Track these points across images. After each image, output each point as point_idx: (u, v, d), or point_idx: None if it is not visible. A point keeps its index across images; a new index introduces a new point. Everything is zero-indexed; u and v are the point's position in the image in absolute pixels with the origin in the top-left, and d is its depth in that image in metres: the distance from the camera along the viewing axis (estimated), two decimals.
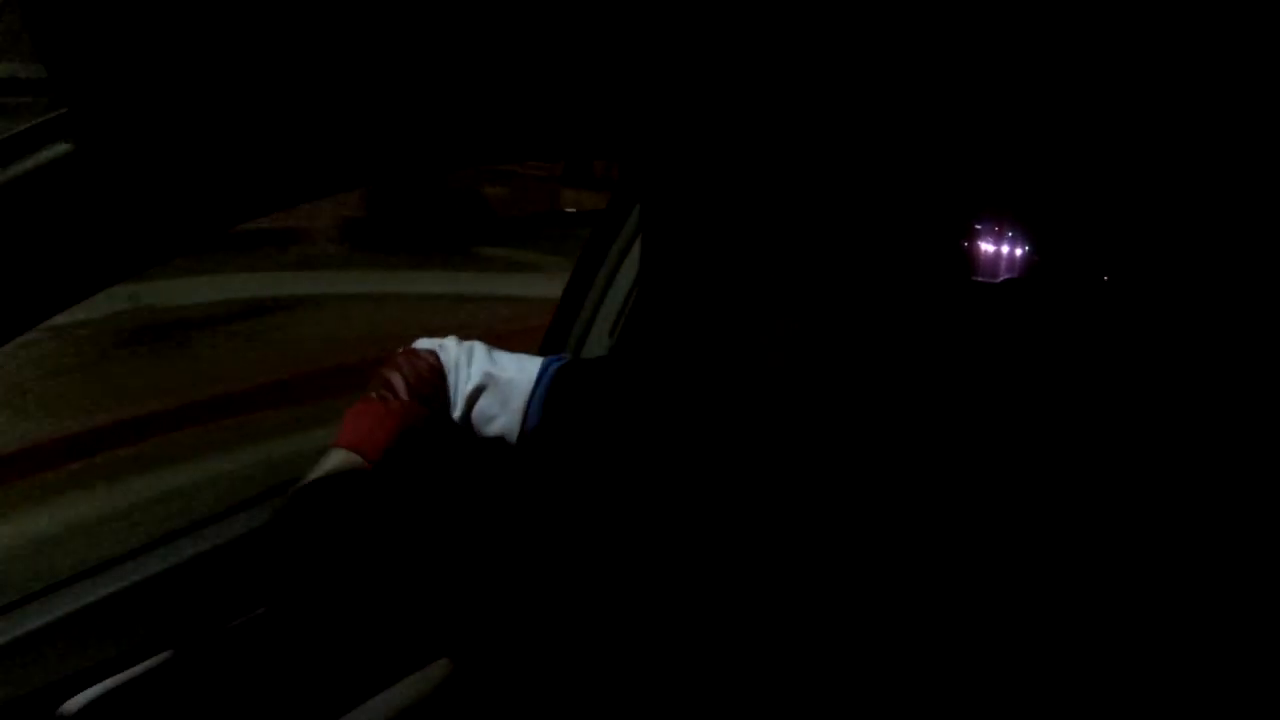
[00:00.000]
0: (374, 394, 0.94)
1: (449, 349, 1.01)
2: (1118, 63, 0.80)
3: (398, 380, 0.94)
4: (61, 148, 0.48)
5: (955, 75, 0.83)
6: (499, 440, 0.98)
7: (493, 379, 0.98)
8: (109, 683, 0.86)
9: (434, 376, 0.98)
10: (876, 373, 0.84)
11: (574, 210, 7.48)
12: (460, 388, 0.98)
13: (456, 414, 0.99)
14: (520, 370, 0.98)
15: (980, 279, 1.52)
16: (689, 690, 0.82)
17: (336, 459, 0.88)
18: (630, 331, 1.41)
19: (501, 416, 0.97)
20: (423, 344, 1.01)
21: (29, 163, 0.47)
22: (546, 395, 0.95)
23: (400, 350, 1.01)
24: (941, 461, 0.89)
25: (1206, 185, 1.07)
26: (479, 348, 1.02)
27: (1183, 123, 0.93)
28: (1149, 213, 1.20)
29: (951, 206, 0.93)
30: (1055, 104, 0.90)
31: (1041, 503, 0.99)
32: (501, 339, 1.11)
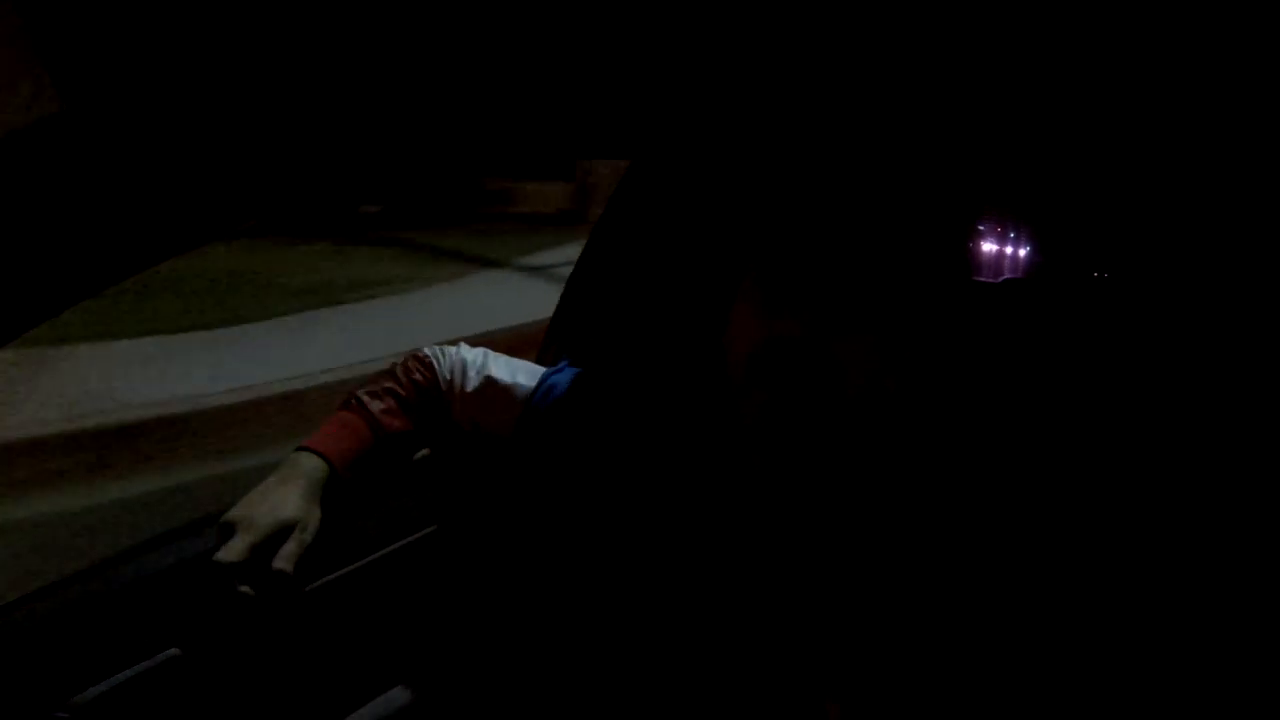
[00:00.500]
0: (354, 401, 0.98)
1: (450, 354, 1.04)
2: (1117, 63, 0.80)
3: (378, 394, 0.98)
4: (60, 147, 0.48)
5: (956, 77, 0.83)
6: (493, 442, 1.00)
7: (494, 383, 1.00)
8: (110, 682, 0.86)
9: (426, 384, 1.01)
10: (874, 372, 0.84)
11: None
12: (462, 390, 1.00)
13: (455, 414, 1.01)
14: (524, 377, 1.01)
15: (981, 279, 1.52)
16: (679, 693, 0.82)
17: (305, 461, 0.91)
18: (616, 337, 1.42)
19: (498, 420, 0.99)
20: (430, 350, 1.04)
21: (28, 162, 0.47)
22: (543, 404, 0.96)
23: (405, 357, 1.04)
24: (939, 460, 0.88)
25: (1203, 182, 1.06)
26: (484, 353, 1.05)
27: (1180, 122, 0.93)
28: (1144, 209, 1.20)
29: (955, 207, 0.93)
30: (1056, 104, 0.90)
31: (1040, 501, 0.99)
32: None
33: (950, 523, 0.83)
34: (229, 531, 0.85)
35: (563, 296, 1.52)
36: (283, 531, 0.85)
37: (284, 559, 0.84)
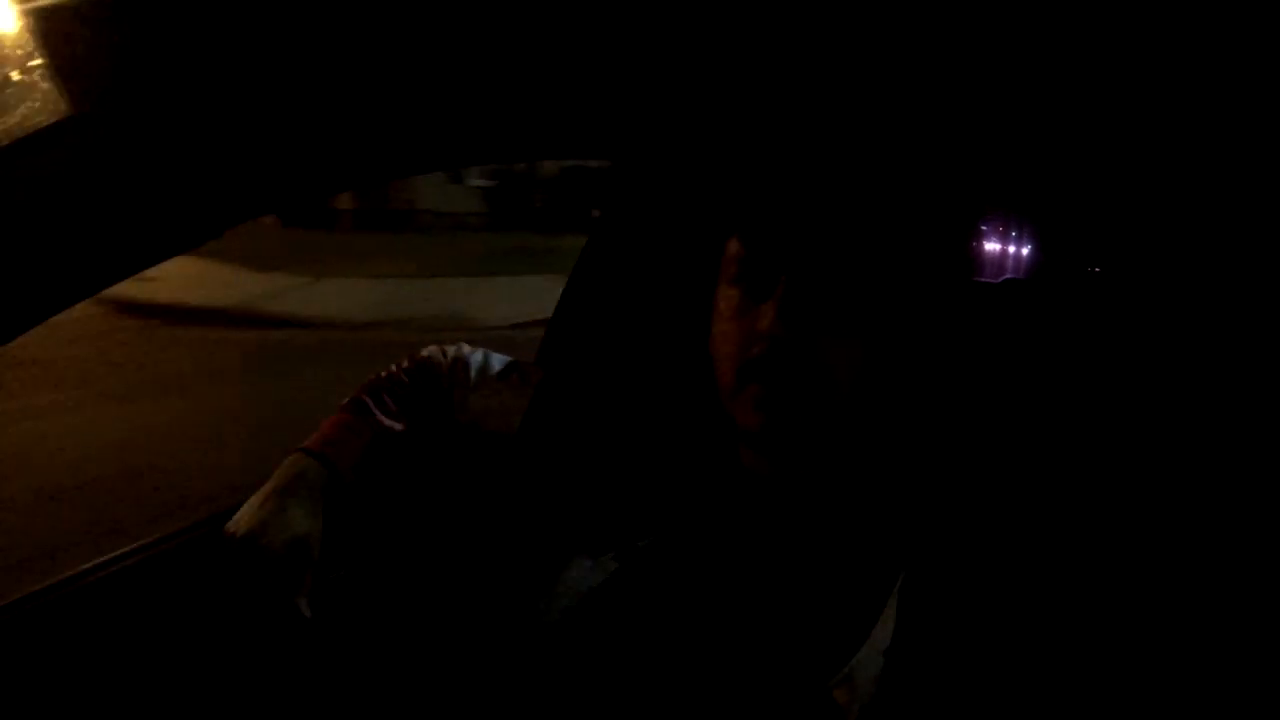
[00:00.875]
0: (354, 403, 0.97)
1: (450, 354, 1.04)
2: (1118, 62, 0.80)
3: (379, 395, 0.98)
4: (63, 147, 0.48)
5: (957, 77, 0.83)
6: (497, 439, 0.99)
7: (496, 383, 1.00)
8: (108, 682, 0.86)
9: (427, 385, 1.01)
10: (861, 367, 0.84)
11: None
12: (464, 390, 1.00)
13: (457, 414, 1.01)
14: (524, 376, 1.01)
15: (983, 279, 1.52)
16: (683, 690, 0.82)
17: (307, 465, 0.90)
18: (613, 339, 1.42)
19: (501, 419, 0.99)
20: (430, 350, 1.04)
21: (30, 161, 0.47)
22: (537, 404, 0.96)
23: (404, 358, 1.03)
24: (937, 457, 0.88)
25: (1200, 177, 1.06)
26: (484, 353, 1.04)
27: (1179, 120, 0.93)
28: (1141, 204, 1.20)
29: (959, 207, 0.93)
30: (1059, 103, 0.90)
31: (1040, 502, 0.99)
32: None
33: (950, 518, 0.83)
34: (234, 544, 0.84)
35: (562, 298, 1.52)
36: (295, 547, 0.85)
37: (303, 599, 0.84)
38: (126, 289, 7.92)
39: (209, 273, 8.75)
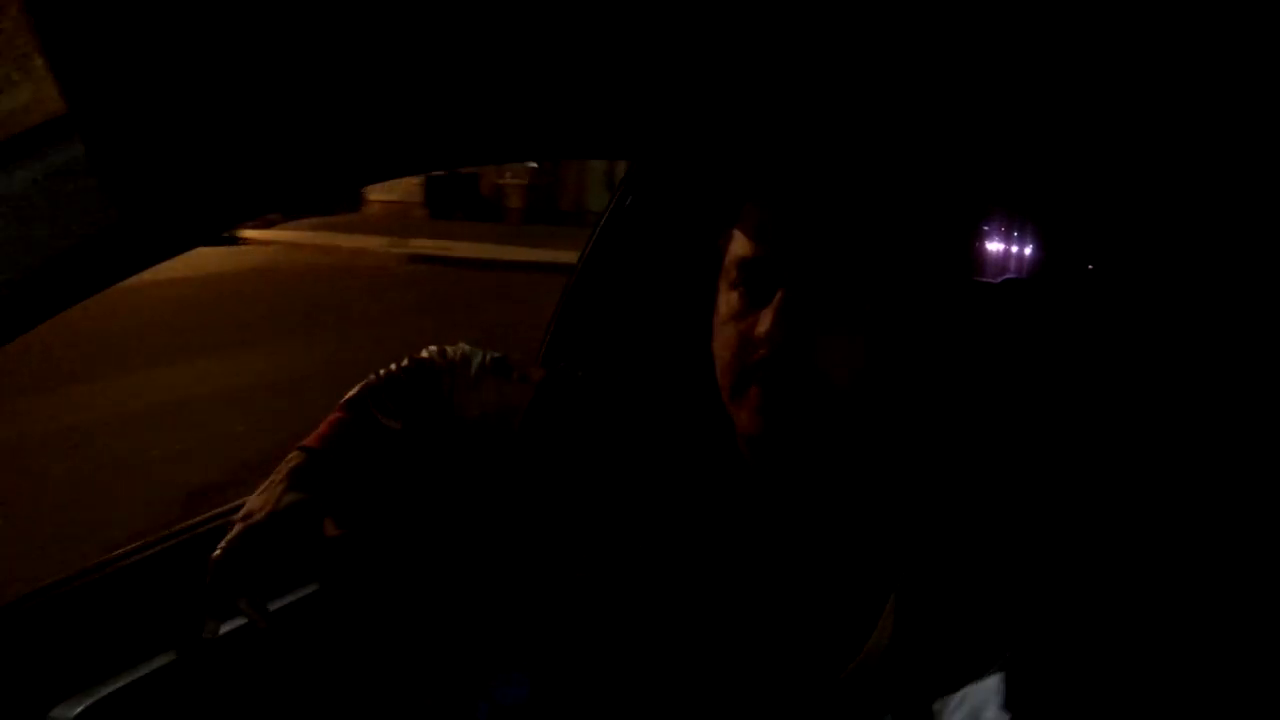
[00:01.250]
0: (354, 402, 0.98)
1: (449, 353, 1.04)
2: (1119, 62, 0.80)
3: (379, 394, 0.99)
4: (62, 147, 0.48)
5: (959, 76, 0.83)
6: (498, 438, 0.99)
7: (497, 381, 1.00)
8: (105, 689, 0.86)
9: (427, 384, 1.01)
10: (859, 369, 0.83)
11: None
12: (464, 389, 1.00)
13: (456, 412, 1.01)
14: (523, 374, 1.00)
15: (983, 279, 1.52)
16: (676, 693, 0.82)
17: (305, 463, 0.91)
18: (615, 339, 1.42)
19: (501, 419, 0.99)
20: (431, 350, 1.04)
21: (30, 162, 0.47)
22: (539, 403, 0.96)
23: (404, 356, 1.03)
24: (939, 461, 0.88)
25: (1201, 176, 1.06)
26: (483, 353, 1.04)
27: (1180, 118, 0.92)
28: (1142, 203, 1.20)
29: (960, 207, 0.93)
30: (1059, 102, 0.89)
31: (1040, 502, 0.99)
32: None
33: (950, 518, 0.83)
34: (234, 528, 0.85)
35: (562, 296, 1.52)
36: (294, 511, 0.86)
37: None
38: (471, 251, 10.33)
39: (491, 250, 10.79)
